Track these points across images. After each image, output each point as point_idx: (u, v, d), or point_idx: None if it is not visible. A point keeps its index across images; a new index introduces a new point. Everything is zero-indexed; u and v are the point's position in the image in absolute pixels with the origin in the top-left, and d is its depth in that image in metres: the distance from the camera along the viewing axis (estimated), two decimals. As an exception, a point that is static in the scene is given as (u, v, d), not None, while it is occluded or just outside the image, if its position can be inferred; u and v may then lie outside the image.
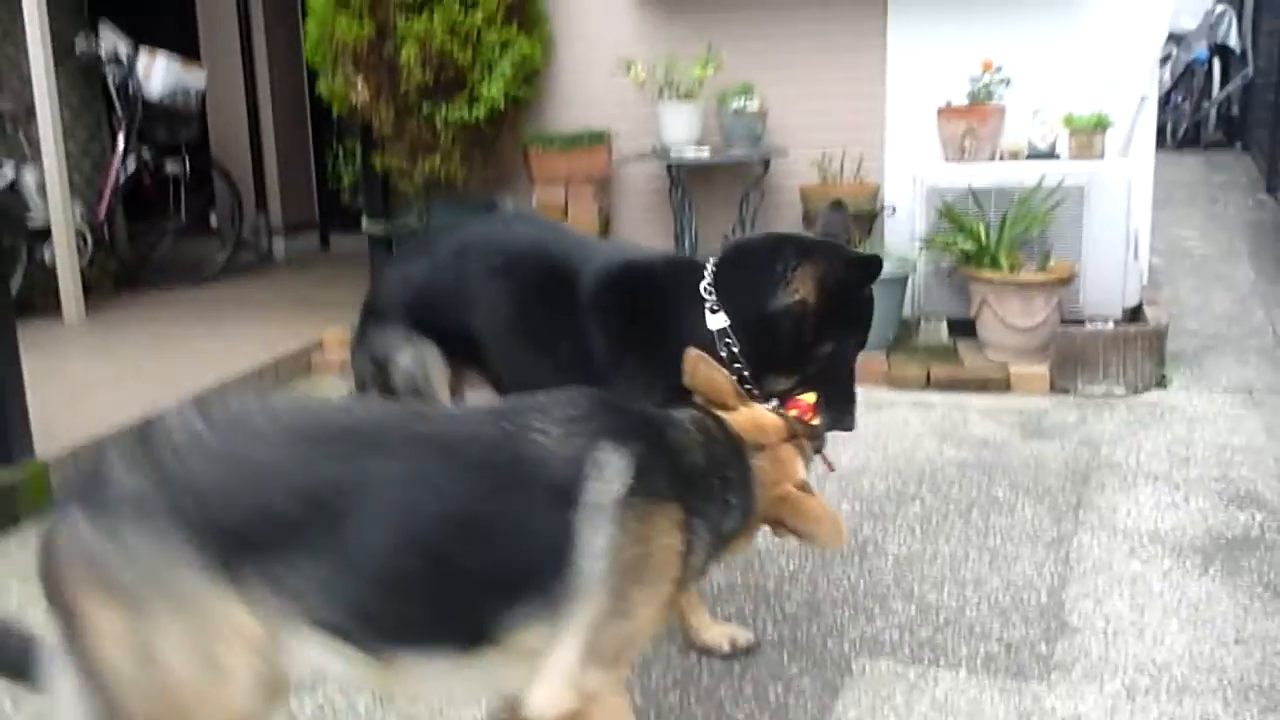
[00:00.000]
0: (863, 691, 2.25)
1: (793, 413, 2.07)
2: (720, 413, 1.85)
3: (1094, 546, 2.89)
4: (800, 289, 2.17)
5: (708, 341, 2.15)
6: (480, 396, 2.57)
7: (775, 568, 2.80)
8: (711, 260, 2.30)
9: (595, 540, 1.57)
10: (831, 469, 2.39)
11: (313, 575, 1.51)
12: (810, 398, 2.20)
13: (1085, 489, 3.29)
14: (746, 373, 2.21)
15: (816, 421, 2.12)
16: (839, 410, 2.29)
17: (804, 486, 1.84)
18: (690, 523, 1.69)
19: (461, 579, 1.57)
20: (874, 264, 2.22)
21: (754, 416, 1.88)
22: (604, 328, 2.30)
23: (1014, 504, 3.19)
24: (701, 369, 1.89)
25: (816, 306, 2.17)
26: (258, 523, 1.50)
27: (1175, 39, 9.75)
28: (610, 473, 1.60)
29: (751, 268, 2.25)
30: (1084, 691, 2.22)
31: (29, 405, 3.40)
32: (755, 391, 2.20)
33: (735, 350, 2.20)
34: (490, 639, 1.58)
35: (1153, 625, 2.46)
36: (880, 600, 2.61)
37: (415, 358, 2.48)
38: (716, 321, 2.20)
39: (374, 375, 2.55)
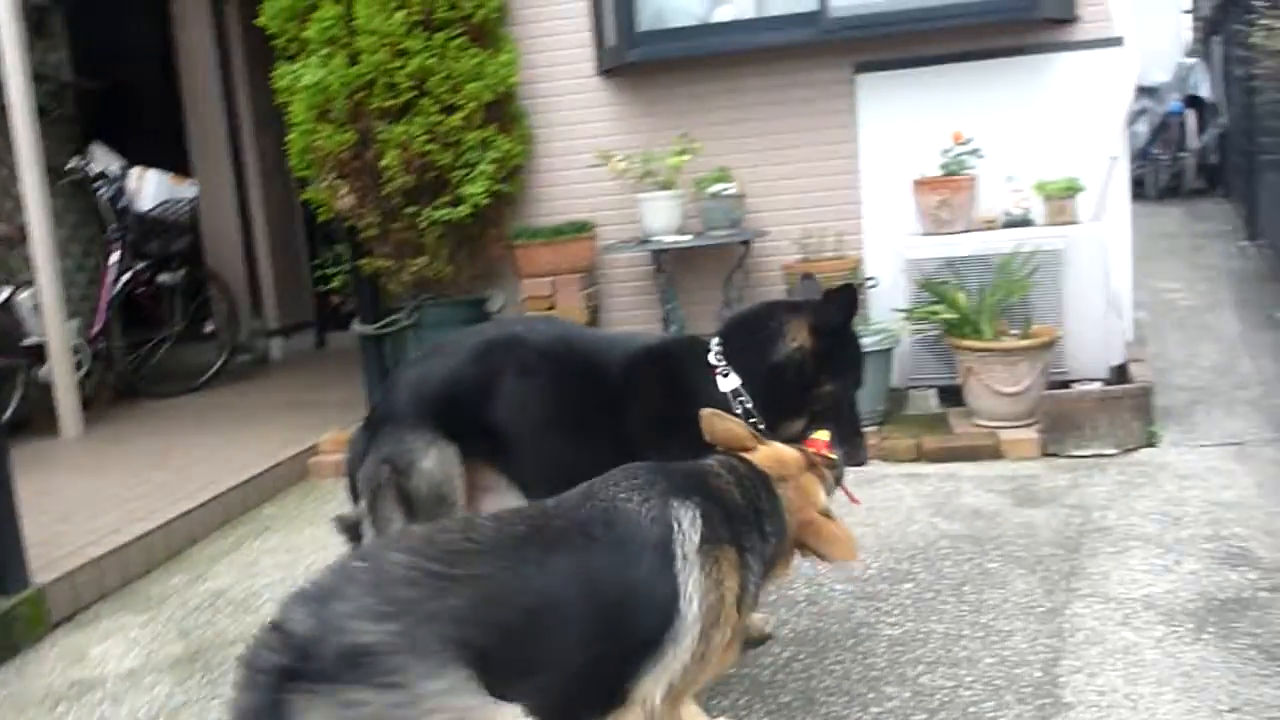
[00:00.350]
0: (858, 783, 2.24)
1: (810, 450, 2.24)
2: (744, 454, 2.06)
3: (1087, 617, 2.88)
4: (796, 337, 2.53)
5: (723, 404, 2.43)
6: (493, 500, 2.64)
7: (769, 657, 2.80)
8: (715, 336, 2.62)
9: (690, 589, 1.76)
10: (855, 501, 2.59)
11: (528, 677, 1.60)
12: (824, 434, 2.41)
13: (1078, 556, 3.30)
14: (761, 425, 2.45)
15: (833, 455, 2.30)
16: (851, 445, 2.59)
17: (826, 513, 2.07)
18: (745, 560, 1.90)
19: (625, 652, 1.72)
20: (850, 291, 2.56)
21: (774, 453, 2.11)
22: (634, 407, 2.54)
23: (1007, 577, 3.19)
24: (717, 423, 2.12)
25: (813, 349, 2.53)
26: (497, 638, 1.58)
27: (1149, 92, 9.94)
28: (687, 525, 1.81)
29: (752, 331, 2.60)
30: (1079, 771, 2.21)
31: (26, 529, 3.42)
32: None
33: (749, 406, 2.51)
34: (625, 699, 1.71)
35: (1146, 697, 2.45)
36: (874, 686, 2.61)
37: (439, 461, 2.54)
38: (728, 384, 2.51)
39: (389, 480, 2.57)
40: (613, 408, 2.55)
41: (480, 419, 2.56)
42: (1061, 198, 4.71)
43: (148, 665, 3.10)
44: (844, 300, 2.55)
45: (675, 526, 1.78)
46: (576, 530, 1.78)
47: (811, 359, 2.54)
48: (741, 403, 2.50)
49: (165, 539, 3.99)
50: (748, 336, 2.60)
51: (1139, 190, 8.53)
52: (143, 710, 2.83)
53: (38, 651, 3.26)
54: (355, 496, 2.72)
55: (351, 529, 2.72)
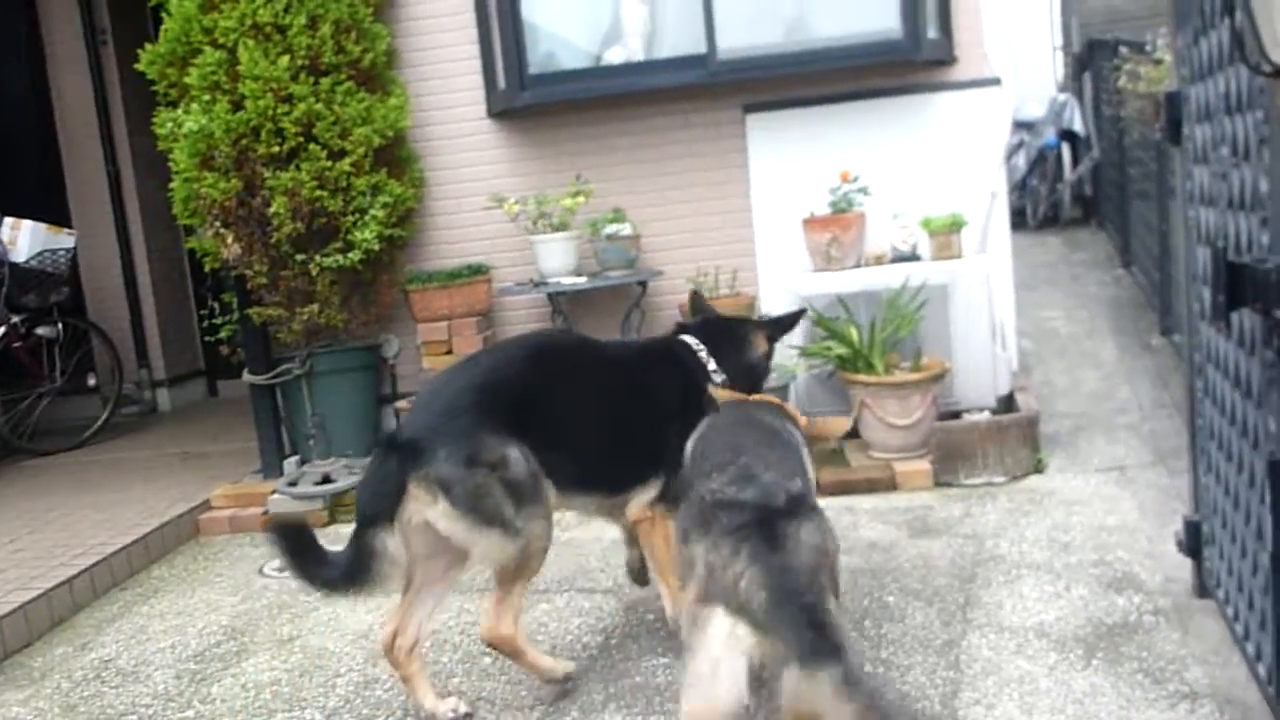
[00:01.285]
0: (765, 829, 2.24)
1: None
2: None
3: (983, 647, 2.95)
4: (759, 345, 3.34)
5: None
6: None
7: (675, 704, 2.79)
8: (692, 340, 3.23)
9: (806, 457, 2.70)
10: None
11: None
12: None
13: (973, 586, 3.37)
14: None
15: None
16: None
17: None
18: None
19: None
20: (799, 315, 3.46)
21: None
22: (658, 392, 3.13)
23: (905, 609, 3.24)
24: (723, 394, 2.94)
25: (767, 353, 3.38)
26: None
27: (1026, 126, 10.31)
28: (793, 428, 2.79)
29: (730, 341, 3.29)
30: (980, 805, 2.25)
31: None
32: None
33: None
34: None
35: (1041, 726, 2.51)
36: (779, 727, 2.62)
37: (519, 450, 2.78)
38: (718, 376, 3.17)
39: (490, 475, 2.73)
40: (640, 393, 3.13)
41: (530, 413, 2.86)
42: (946, 233, 4.85)
43: (28, 744, 2.96)
44: (790, 321, 3.43)
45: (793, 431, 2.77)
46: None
47: (765, 359, 3.37)
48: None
49: (47, 607, 3.82)
50: (729, 344, 3.27)
51: (1019, 220, 8.82)
52: (23, 793, 2.70)
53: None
54: (372, 519, 2.72)
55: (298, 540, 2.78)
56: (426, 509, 2.70)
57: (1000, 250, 5.08)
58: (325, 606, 3.76)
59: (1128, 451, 4.51)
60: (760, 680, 2.06)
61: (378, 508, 2.71)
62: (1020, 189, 10.29)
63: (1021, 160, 10.37)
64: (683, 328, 3.35)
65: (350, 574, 2.70)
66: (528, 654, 2.89)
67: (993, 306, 4.78)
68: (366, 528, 2.71)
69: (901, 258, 4.94)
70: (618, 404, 3.09)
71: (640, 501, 3.07)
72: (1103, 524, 3.77)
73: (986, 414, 4.63)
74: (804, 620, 1.99)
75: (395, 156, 5.14)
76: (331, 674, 3.20)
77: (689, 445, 2.76)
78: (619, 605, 3.50)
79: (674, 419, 2.99)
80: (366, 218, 4.86)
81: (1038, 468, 4.40)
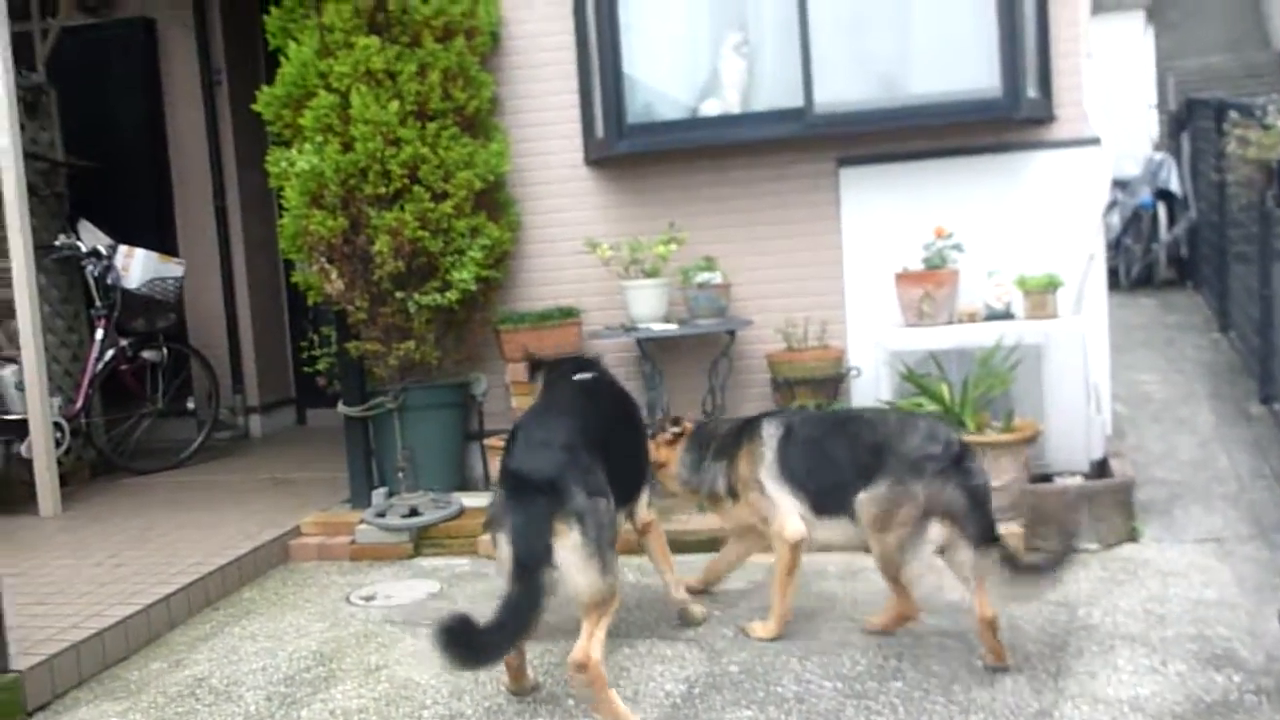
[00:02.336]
0: None
1: None
2: None
3: (1076, 719, 2.89)
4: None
5: None
6: None
7: (759, 756, 2.79)
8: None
9: None
10: None
11: None
12: None
13: (1064, 655, 3.31)
14: None
15: None
16: None
17: None
18: None
19: None
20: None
21: None
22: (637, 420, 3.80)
23: (994, 676, 3.19)
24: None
25: None
26: None
27: (1121, 185, 10.17)
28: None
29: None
30: None
31: (3, 613, 3.37)
32: None
33: None
34: None
35: (1137, 804, 2.45)
36: (865, 788, 2.60)
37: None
38: None
39: (606, 505, 3.11)
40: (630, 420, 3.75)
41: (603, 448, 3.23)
42: (1042, 292, 4.81)
43: (126, 759, 3.05)
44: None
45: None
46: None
47: None
48: None
49: (145, 623, 3.94)
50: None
51: (1113, 280, 8.70)
52: (121, 806, 2.78)
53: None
54: (535, 560, 2.92)
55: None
56: (561, 540, 2.93)
57: (1096, 311, 5.01)
58: (410, 638, 3.82)
59: (1226, 523, 4.40)
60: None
61: (537, 547, 2.91)
62: (1114, 248, 10.14)
63: (1116, 219, 10.23)
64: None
65: (524, 619, 2.87)
66: (609, 691, 2.99)
67: (1088, 368, 4.72)
68: (531, 568, 2.89)
69: (995, 316, 4.91)
70: (625, 430, 3.62)
71: (644, 506, 3.61)
72: (1200, 597, 3.68)
73: (1079, 478, 4.56)
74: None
75: (494, 200, 5.26)
76: (418, 705, 3.25)
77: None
78: (701, 654, 3.50)
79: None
80: (465, 259, 4.98)
81: (1132, 536, 4.31)
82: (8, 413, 5.59)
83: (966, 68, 5.03)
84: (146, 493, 5.99)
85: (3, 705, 3.25)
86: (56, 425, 5.71)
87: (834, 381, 5.08)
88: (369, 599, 4.32)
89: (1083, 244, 5.03)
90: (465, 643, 2.81)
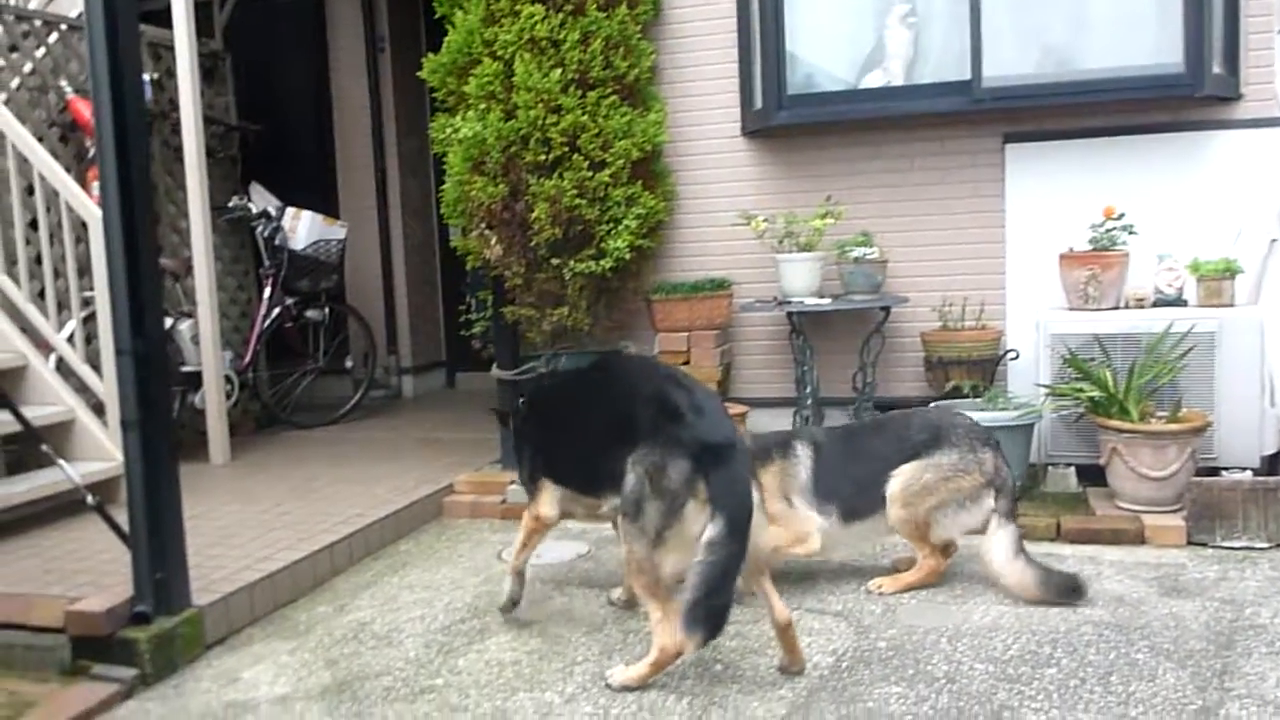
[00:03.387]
0: None
1: None
2: None
3: (1243, 718, 2.78)
4: None
5: None
6: None
7: (910, 734, 2.77)
8: None
9: None
10: None
11: None
12: None
13: (1230, 654, 3.18)
14: None
15: None
16: None
17: None
18: None
19: None
20: None
21: None
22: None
23: (1155, 670, 3.10)
24: None
25: None
26: None
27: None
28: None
29: None
30: None
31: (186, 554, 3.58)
32: None
33: None
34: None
35: (1315, 811, 2.35)
36: (1021, 773, 2.56)
37: None
38: None
39: None
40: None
41: None
42: (1217, 278, 4.60)
43: (297, 692, 3.21)
44: None
45: None
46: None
47: None
48: None
49: (312, 568, 4.14)
50: None
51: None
52: (292, 737, 2.94)
53: (194, 671, 3.40)
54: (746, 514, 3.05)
55: None
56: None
57: (1275, 301, 4.76)
58: (560, 597, 3.91)
59: None
60: None
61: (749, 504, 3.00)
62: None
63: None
64: None
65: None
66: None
67: (1264, 360, 4.49)
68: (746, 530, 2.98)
69: (1165, 301, 4.72)
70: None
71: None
72: (1382, 603, 3.49)
73: (1249, 474, 4.36)
74: None
75: (650, 170, 5.29)
76: (569, 661, 3.33)
77: None
78: (850, 629, 3.49)
79: None
80: (620, 227, 5.03)
81: (1306, 536, 4.10)
82: (183, 365, 5.91)
83: (1146, 42, 4.83)
84: (306, 446, 6.26)
85: (186, 638, 3.45)
86: (227, 378, 6.02)
87: (990, 363, 4.96)
88: (519, 557, 4.43)
89: (1264, 229, 4.78)
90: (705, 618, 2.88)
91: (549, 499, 3.54)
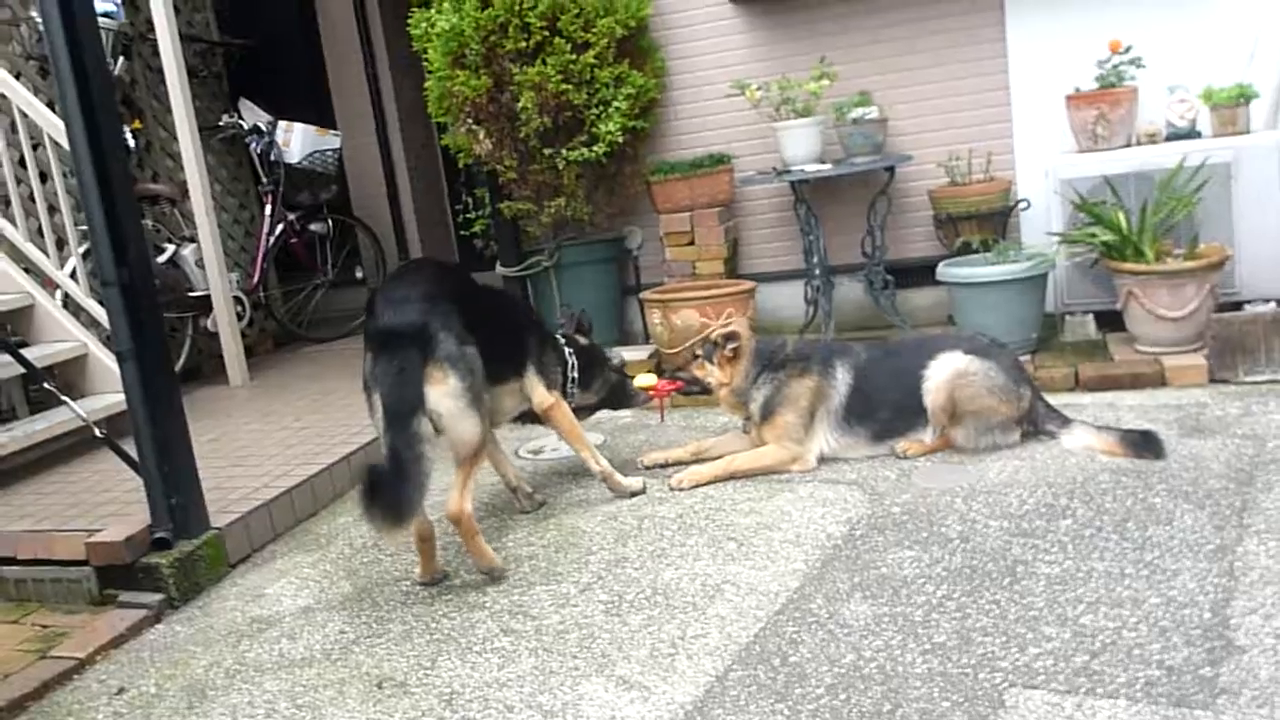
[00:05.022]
0: (1018, 726, 2.20)
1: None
2: None
3: (1261, 555, 2.74)
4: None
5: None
6: None
7: (922, 595, 2.76)
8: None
9: None
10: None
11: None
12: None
13: (1251, 490, 3.13)
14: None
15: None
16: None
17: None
18: None
19: None
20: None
21: None
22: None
23: (1172, 512, 3.06)
24: None
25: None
26: None
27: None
28: None
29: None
30: (1253, 718, 2.12)
31: (202, 475, 3.60)
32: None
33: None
34: None
35: (1329, 641, 2.33)
36: (1033, 626, 2.55)
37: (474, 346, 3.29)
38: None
39: (474, 354, 3.24)
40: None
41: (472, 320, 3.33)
42: (1231, 106, 4.41)
43: (320, 603, 3.26)
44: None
45: None
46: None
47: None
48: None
49: (330, 481, 4.17)
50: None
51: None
52: (318, 645, 2.98)
53: (219, 590, 3.47)
54: (400, 404, 3.04)
55: None
56: (437, 387, 2.99)
57: (1295, 123, 4.58)
58: (577, 488, 3.92)
59: None
60: None
61: (409, 395, 2.95)
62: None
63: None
64: None
65: (407, 470, 2.89)
66: (479, 538, 3.21)
67: (1285, 186, 4.33)
68: (405, 415, 2.93)
69: (1178, 135, 4.55)
70: (491, 301, 3.62)
71: (540, 388, 3.60)
72: None
73: (1273, 305, 4.24)
74: None
75: (637, 47, 5.13)
76: (585, 551, 3.35)
77: None
78: (864, 496, 3.48)
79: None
80: (610, 110, 4.90)
81: (1331, 364, 4.01)
82: (191, 290, 5.90)
83: None
84: (325, 360, 6.28)
85: (209, 559, 3.51)
86: (237, 300, 6.00)
87: (1001, 215, 4.84)
88: (536, 453, 4.45)
89: (1278, 49, 4.56)
90: (381, 504, 2.84)
91: None
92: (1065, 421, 3.70)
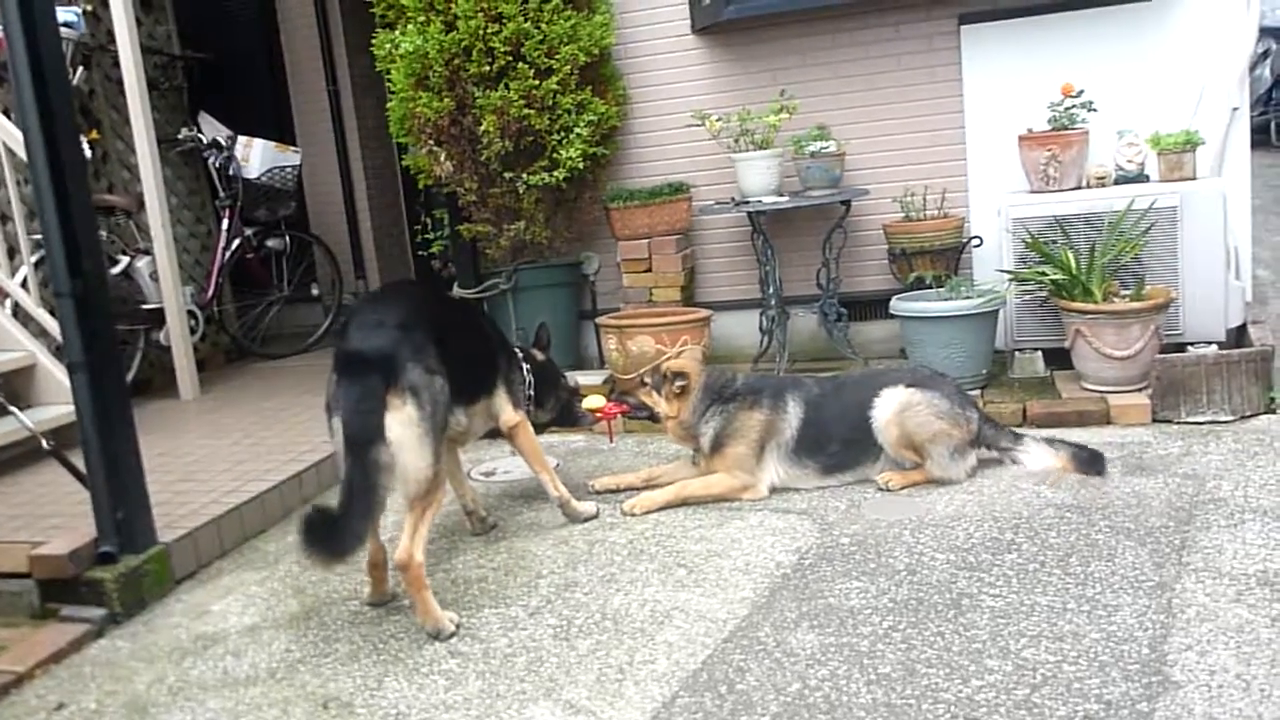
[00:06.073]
0: (959, 757, 2.23)
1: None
2: None
3: (1198, 592, 2.81)
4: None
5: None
6: None
7: (868, 626, 2.79)
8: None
9: None
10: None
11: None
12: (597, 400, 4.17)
13: (1189, 528, 3.21)
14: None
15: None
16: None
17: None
18: None
19: None
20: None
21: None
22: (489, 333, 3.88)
23: (1114, 548, 3.12)
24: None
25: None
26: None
27: (1274, 33, 9.46)
28: None
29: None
30: (1189, 752, 2.16)
31: (150, 489, 3.56)
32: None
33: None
34: None
35: (1260, 678, 2.38)
36: (976, 658, 2.58)
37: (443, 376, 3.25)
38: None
39: (443, 384, 3.21)
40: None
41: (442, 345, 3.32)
42: (1178, 151, 4.53)
43: (266, 621, 3.23)
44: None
45: None
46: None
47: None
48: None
49: (280, 498, 4.13)
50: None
51: (1260, 138, 8.16)
52: (263, 664, 2.95)
53: (164, 606, 3.42)
54: (361, 432, 2.98)
55: None
56: (394, 414, 2.90)
57: (1238, 171, 4.72)
58: (529, 510, 3.92)
59: (1374, 392, 4.16)
60: None
61: (370, 423, 2.88)
62: (1264, 104, 9.49)
63: (1266, 71, 9.55)
64: None
65: (365, 500, 2.82)
66: (427, 592, 3.03)
67: (1227, 232, 4.46)
68: (363, 444, 2.85)
69: (1127, 178, 4.67)
70: (464, 323, 3.60)
71: (507, 407, 3.58)
72: (1341, 469, 3.50)
73: (1214, 348, 4.35)
74: None
75: (599, 74, 5.17)
76: (535, 574, 3.35)
77: None
78: (813, 526, 3.51)
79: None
80: (571, 136, 4.93)
81: (1269, 407, 4.11)
82: (144, 302, 5.83)
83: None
84: (278, 376, 6.22)
85: (154, 574, 3.46)
86: (191, 313, 5.95)
87: (954, 252, 4.92)
88: (489, 474, 4.44)
89: (1225, 98, 4.70)
90: (323, 536, 2.76)
91: None
92: (1017, 438, 3.83)
